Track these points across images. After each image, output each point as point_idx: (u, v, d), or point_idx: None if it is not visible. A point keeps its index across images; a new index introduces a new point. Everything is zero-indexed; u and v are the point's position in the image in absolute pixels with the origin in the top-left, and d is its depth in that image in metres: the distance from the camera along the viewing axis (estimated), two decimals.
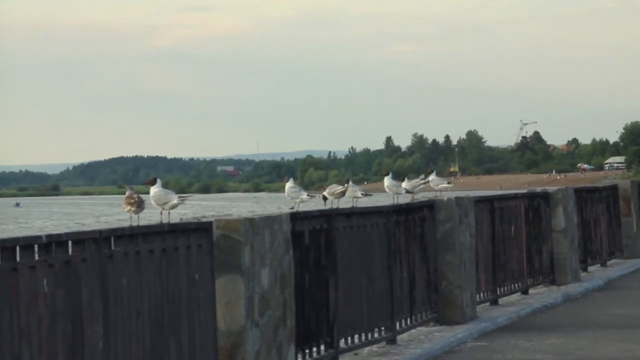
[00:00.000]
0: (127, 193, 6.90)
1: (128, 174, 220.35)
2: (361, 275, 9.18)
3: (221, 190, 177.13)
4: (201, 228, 6.80)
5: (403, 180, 11.09)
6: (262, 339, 7.14)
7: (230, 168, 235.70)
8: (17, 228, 52.32)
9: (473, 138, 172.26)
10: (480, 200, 12.01)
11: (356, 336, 8.95)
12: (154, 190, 7.12)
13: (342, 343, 8.68)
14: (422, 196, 11.14)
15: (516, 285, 12.91)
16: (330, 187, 9.82)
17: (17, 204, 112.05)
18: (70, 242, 5.67)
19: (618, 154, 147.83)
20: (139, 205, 6.90)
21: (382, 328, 9.41)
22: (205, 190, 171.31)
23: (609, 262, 16.68)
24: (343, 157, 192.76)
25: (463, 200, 11.11)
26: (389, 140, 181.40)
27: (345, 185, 9.76)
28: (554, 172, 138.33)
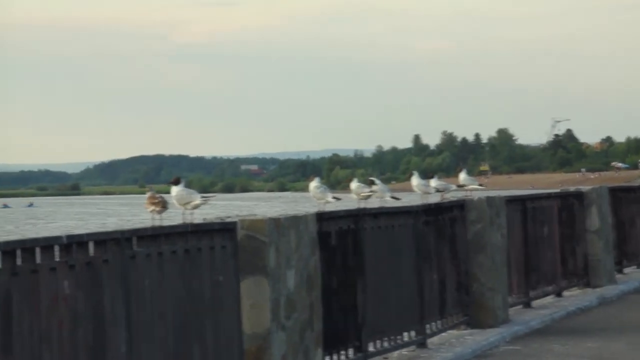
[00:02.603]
0: (149, 194, 6.79)
1: (149, 173, 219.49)
2: (390, 277, 8.98)
3: (245, 189, 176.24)
4: (225, 228, 6.65)
5: (432, 177, 10.87)
6: (288, 342, 6.97)
7: (255, 167, 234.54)
8: (32, 229, 52.21)
9: (504, 136, 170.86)
10: (512, 200, 11.79)
11: (385, 340, 8.76)
12: (176, 190, 6.98)
13: (370, 347, 8.50)
14: (452, 196, 10.92)
15: (549, 287, 12.67)
16: (358, 186, 9.61)
17: (30, 204, 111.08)
18: (91, 243, 5.55)
19: None
20: (163, 205, 6.78)
21: (412, 331, 9.21)
22: (229, 189, 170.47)
23: None
24: (370, 156, 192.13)
25: (494, 200, 10.88)
26: (417, 138, 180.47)
27: (372, 187, 9.55)
28: (583, 171, 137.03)
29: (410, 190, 10.75)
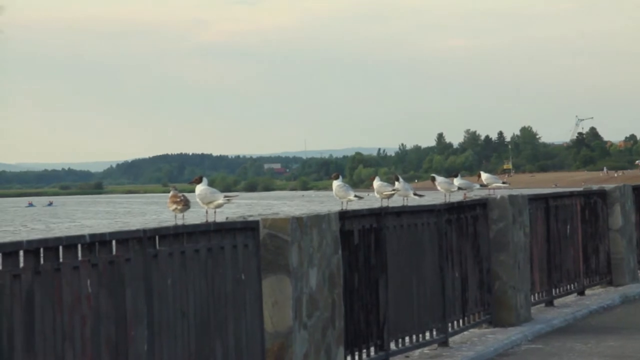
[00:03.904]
0: (172, 192, 6.83)
1: (173, 172, 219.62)
2: (412, 276, 8.98)
3: (268, 188, 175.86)
4: (247, 227, 6.67)
5: (456, 176, 10.84)
6: (310, 340, 6.98)
7: (277, 166, 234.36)
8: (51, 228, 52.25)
9: (527, 134, 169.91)
10: (534, 199, 11.74)
11: (407, 338, 8.76)
12: (200, 188, 7.02)
13: (392, 345, 8.50)
14: (474, 194, 10.89)
15: (572, 285, 12.61)
16: (380, 185, 9.60)
17: (50, 203, 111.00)
18: (114, 242, 5.58)
19: None
20: (185, 204, 6.81)
21: (434, 330, 9.20)
22: (252, 188, 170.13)
23: None
24: (393, 154, 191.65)
25: (517, 199, 10.85)
26: (440, 136, 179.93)
27: (396, 184, 9.54)
28: (605, 170, 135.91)
29: (433, 188, 10.74)
